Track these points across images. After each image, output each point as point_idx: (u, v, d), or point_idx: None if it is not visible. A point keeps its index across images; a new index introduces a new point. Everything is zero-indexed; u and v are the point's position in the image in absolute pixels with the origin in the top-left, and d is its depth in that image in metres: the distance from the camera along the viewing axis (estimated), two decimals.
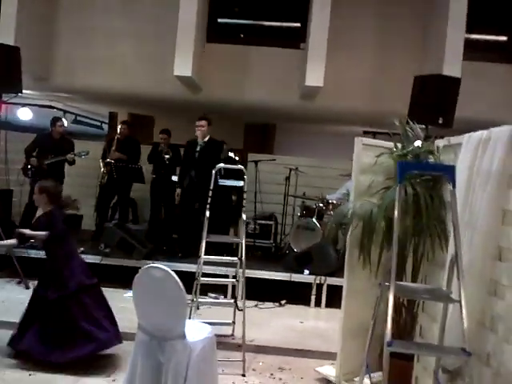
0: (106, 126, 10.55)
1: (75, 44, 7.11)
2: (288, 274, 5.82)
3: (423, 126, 5.31)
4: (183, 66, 6.30)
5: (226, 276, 5.45)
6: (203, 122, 6.13)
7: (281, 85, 7.11)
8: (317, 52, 6.25)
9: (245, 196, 4.30)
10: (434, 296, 2.52)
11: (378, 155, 3.63)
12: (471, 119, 5.75)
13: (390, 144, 3.75)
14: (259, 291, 5.89)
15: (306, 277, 5.78)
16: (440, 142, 3.32)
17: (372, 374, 3.85)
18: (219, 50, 7.14)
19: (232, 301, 4.39)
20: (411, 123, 3.81)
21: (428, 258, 3.26)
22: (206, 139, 6.16)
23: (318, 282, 5.72)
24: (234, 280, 4.34)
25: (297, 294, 5.87)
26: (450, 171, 2.52)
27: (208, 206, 4.19)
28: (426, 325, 3.26)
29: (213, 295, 5.68)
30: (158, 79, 6.93)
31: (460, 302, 2.27)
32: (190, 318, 4.03)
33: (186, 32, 6.33)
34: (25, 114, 8.30)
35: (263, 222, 7.04)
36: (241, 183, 6.30)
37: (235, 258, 4.32)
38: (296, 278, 5.81)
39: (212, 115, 6.48)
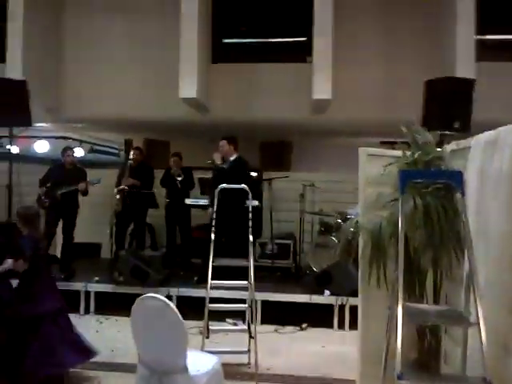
0: (123, 154, 10.59)
1: (83, 73, 7.21)
2: (307, 296, 5.56)
3: (438, 133, 5.07)
4: (188, 88, 6.25)
5: (244, 301, 5.25)
6: (222, 142, 5.93)
7: (290, 100, 6.98)
8: (323, 64, 6.11)
9: (250, 216, 4.11)
10: (448, 319, 2.26)
11: (385, 165, 3.40)
12: (492, 122, 5.47)
13: (399, 153, 3.52)
14: (279, 315, 5.65)
15: (326, 298, 5.50)
16: (448, 147, 3.07)
17: None
18: (225, 70, 7.09)
19: (245, 327, 4.16)
20: (420, 129, 3.58)
21: (447, 274, 2.98)
22: (232, 159, 5.89)
23: (339, 303, 5.43)
24: (245, 305, 4.12)
25: (319, 317, 5.59)
26: (456, 178, 2.30)
27: (213, 229, 4.02)
28: (450, 349, 2.97)
29: (231, 321, 5.48)
30: (166, 103, 6.91)
31: (478, 324, 2.01)
32: (202, 346, 3.87)
33: (188, 54, 6.31)
34: (41, 147, 8.39)
35: (281, 241, 6.81)
36: (255, 203, 6.12)
37: (245, 282, 4.11)
38: (316, 299, 5.54)
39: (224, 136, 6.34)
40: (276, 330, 5.38)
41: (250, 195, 4.20)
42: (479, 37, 6.33)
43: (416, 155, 3.10)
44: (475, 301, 2.04)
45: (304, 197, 6.83)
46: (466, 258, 2.21)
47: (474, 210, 2.36)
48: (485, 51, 6.35)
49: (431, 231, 2.86)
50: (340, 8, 6.31)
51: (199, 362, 3.11)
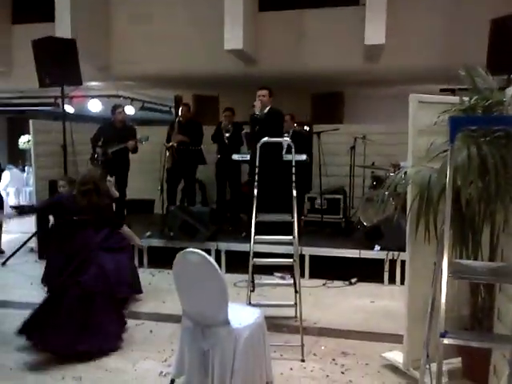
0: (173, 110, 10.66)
1: (131, 31, 7.18)
2: (357, 251, 5.44)
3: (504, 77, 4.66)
4: (233, 40, 6.08)
5: (291, 256, 5.22)
6: (264, 92, 5.64)
7: (342, 48, 6.64)
8: (376, 7, 5.69)
9: (293, 170, 3.99)
10: (499, 276, 2.08)
11: (440, 113, 3.14)
12: None
13: (455, 99, 3.23)
14: (328, 269, 5.60)
15: (376, 253, 5.36)
16: (510, 90, 2.76)
17: (450, 360, 3.45)
18: (272, 18, 6.81)
19: (291, 281, 4.13)
20: (481, 72, 3.25)
21: (504, 229, 2.76)
22: (266, 110, 5.66)
23: (390, 257, 5.27)
24: (290, 260, 4.07)
25: (369, 272, 5.48)
26: None
27: (255, 184, 3.95)
28: (504, 307, 2.78)
29: (279, 275, 5.51)
30: (213, 55, 6.80)
31: None
32: (248, 300, 3.90)
33: (234, 3, 6.07)
34: (94, 106, 8.59)
35: (331, 196, 6.65)
36: (302, 157, 5.97)
37: (289, 237, 4.04)
38: (366, 254, 5.41)
39: (274, 88, 6.13)
40: (325, 285, 5.35)
41: (293, 149, 4.06)
42: None
43: (473, 100, 2.83)
44: None
45: (354, 150, 6.57)
46: None
47: None
48: None
49: (487, 183, 2.64)
50: None
51: (242, 315, 3.11)
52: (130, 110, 8.35)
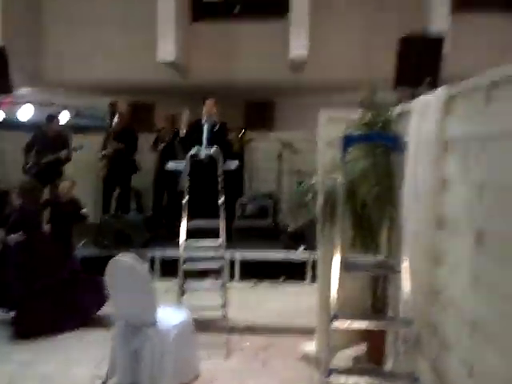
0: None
1: (63, 36, 7.18)
2: (283, 253, 5.82)
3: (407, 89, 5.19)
4: (166, 51, 6.28)
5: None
6: (212, 102, 6.00)
7: (270, 59, 7.02)
8: (299, 21, 6.13)
9: (220, 179, 4.30)
10: (380, 268, 2.48)
11: (346, 127, 3.55)
12: (465, 74, 5.55)
13: (357, 115, 3.66)
14: (257, 271, 5.92)
15: (300, 254, 5.77)
16: (397, 110, 3.22)
17: (356, 347, 3.87)
18: (204, 30, 7.07)
19: (218, 283, 4.41)
20: (379, 89, 3.72)
21: (395, 229, 3.19)
22: (215, 120, 6.00)
23: (312, 258, 5.69)
24: (218, 263, 4.35)
25: (295, 272, 5.86)
26: (393, 140, 2.46)
27: (186, 192, 4.22)
28: (392, 295, 3.22)
29: (210, 278, 5.75)
30: (146, 65, 6.94)
31: (400, 272, 2.24)
32: (179, 303, 4.12)
33: (166, 16, 6.28)
34: (25, 113, 8.42)
35: (261, 201, 7.01)
36: (233, 164, 6.27)
37: (217, 242, 4.32)
38: (291, 256, 5.81)
39: (208, 96, 6.41)
40: (253, 286, 5.67)
41: (221, 159, 4.36)
42: None
43: (369, 117, 3.25)
44: (400, 252, 2.25)
45: (281, 157, 6.97)
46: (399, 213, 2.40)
47: (411, 171, 2.54)
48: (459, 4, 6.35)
49: (379, 188, 3.06)
50: None
51: (170, 316, 3.36)
52: (63, 118, 8.27)
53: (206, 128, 5.99)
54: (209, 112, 5.93)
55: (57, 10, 7.26)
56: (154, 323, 3.16)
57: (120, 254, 3.24)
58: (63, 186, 5.21)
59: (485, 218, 1.94)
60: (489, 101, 1.83)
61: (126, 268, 3.14)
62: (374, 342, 3.45)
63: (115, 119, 7.13)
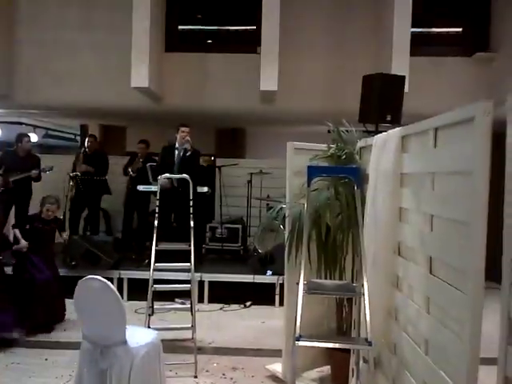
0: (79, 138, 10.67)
1: (35, 58, 7.20)
2: (251, 276, 5.95)
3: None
4: (140, 77, 6.42)
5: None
6: (189, 129, 6.21)
7: (240, 90, 7.24)
8: (269, 56, 6.39)
9: (191, 203, 4.44)
10: (342, 291, 2.66)
11: (312, 158, 3.78)
12: (423, 113, 5.92)
13: (324, 147, 3.91)
14: (226, 294, 6.03)
15: (268, 277, 5.91)
16: (358, 144, 3.47)
17: (321, 368, 4.03)
18: (177, 59, 7.27)
19: (188, 306, 4.50)
20: (346, 124, 4.00)
21: (357, 254, 3.41)
22: (189, 146, 6.20)
23: (280, 281, 5.84)
24: (188, 285, 4.45)
25: (263, 295, 6.00)
26: (353, 173, 2.67)
27: (156, 215, 4.33)
28: (357, 317, 3.41)
29: (179, 300, 5.81)
30: (119, 90, 7.03)
31: (363, 294, 2.42)
32: (147, 324, 4.18)
33: (140, 43, 6.44)
34: None
35: (231, 225, 7.17)
36: (204, 189, 6.43)
37: (187, 264, 4.43)
38: (259, 279, 5.95)
39: (181, 122, 6.59)
40: (222, 308, 5.77)
41: (191, 185, 4.51)
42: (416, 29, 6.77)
43: (332, 150, 3.49)
44: (362, 275, 2.44)
45: (251, 183, 7.18)
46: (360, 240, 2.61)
47: (371, 201, 2.76)
48: (418, 46, 6.79)
49: (342, 216, 3.28)
50: (287, 2, 6.62)
51: (139, 336, 3.43)
52: (33, 138, 8.27)
53: (177, 153, 6.21)
54: (182, 138, 6.14)
55: (30, 33, 7.29)
56: (123, 342, 3.22)
57: (88, 275, 3.32)
58: (50, 207, 5.21)
59: (434, 246, 2.15)
60: (436, 142, 2.07)
61: (96, 288, 3.21)
62: (338, 363, 3.61)
63: (86, 142, 7.20)
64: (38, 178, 6.63)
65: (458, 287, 1.92)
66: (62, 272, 6.00)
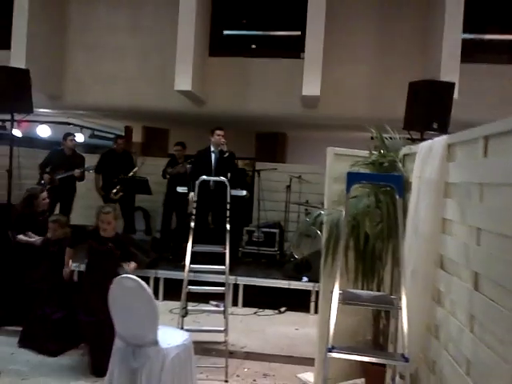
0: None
1: (85, 62, 7.46)
2: (287, 282, 5.88)
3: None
4: (183, 81, 6.51)
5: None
6: (223, 132, 6.25)
7: (283, 95, 7.22)
8: (313, 61, 6.33)
9: (228, 206, 4.42)
10: (379, 303, 2.56)
11: (352, 164, 3.68)
12: (472, 121, 5.69)
13: (365, 153, 3.80)
14: (260, 299, 5.99)
15: (304, 284, 5.83)
16: (402, 152, 3.35)
17: (355, 380, 3.90)
18: (221, 63, 7.32)
19: (220, 308, 4.48)
20: (390, 131, 3.87)
21: (394, 264, 3.28)
22: (225, 148, 6.22)
23: (316, 288, 5.74)
24: (222, 288, 4.43)
25: (298, 302, 5.92)
26: (395, 181, 2.57)
27: (193, 217, 4.34)
28: (394, 332, 3.28)
29: (214, 303, 5.81)
30: (163, 93, 7.17)
31: (401, 307, 2.32)
32: (180, 325, 4.19)
33: (185, 46, 6.54)
34: (43, 131, 8.72)
35: (268, 230, 7.12)
36: (242, 193, 6.42)
37: (222, 267, 4.41)
38: (295, 285, 5.87)
39: (221, 126, 6.62)
40: (255, 313, 5.72)
41: (229, 188, 4.49)
42: (467, 36, 6.53)
43: (374, 157, 3.39)
44: (401, 288, 2.34)
45: (290, 188, 7.12)
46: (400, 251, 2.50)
47: (413, 210, 2.64)
48: (470, 52, 6.55)
49: (382, 225, 3.17)
50: (333, 8, 6.54)
51: (171, 337, 3.43)
52: (80, 138, 8.54)
53: (214, 157, 6.23)
54: (217, 142, 6.16)
55: (79, 37, 7.56)
56: (155, 343, 3.23)
57: (124, 274, 3.36)
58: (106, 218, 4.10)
59: (481, 261, 2.02)
60: (486, 151, 1.95)
61: (130, 287, 3.23)
62: (373, 377, 3.49)
63: (115, 142, 7.30)
64: (81, 178, 6.81)
65: (504, 306, 1.79)
66: None
